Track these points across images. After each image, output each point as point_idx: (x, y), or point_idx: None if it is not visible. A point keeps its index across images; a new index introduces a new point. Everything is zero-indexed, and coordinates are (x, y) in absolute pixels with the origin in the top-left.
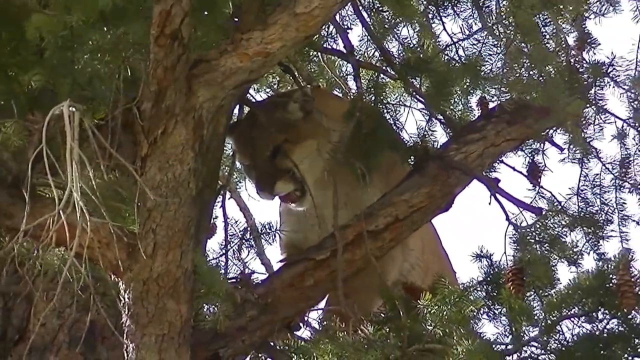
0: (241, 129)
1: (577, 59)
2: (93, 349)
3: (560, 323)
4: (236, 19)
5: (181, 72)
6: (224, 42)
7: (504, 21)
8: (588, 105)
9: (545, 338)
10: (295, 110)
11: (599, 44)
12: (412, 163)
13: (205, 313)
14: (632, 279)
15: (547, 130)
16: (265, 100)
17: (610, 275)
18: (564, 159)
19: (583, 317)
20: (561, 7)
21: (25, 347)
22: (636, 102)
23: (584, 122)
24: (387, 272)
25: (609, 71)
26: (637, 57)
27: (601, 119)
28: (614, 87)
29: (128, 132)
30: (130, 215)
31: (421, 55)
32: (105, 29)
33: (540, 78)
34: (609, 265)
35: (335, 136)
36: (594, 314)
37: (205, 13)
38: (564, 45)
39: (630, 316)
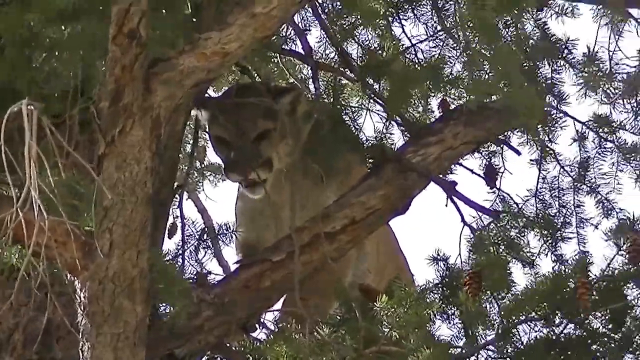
0: (225, 104)
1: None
2: (49, 349)
3: (517, 327)
4: (194, 19)
5: (139, 71)
6: (182, 42)
7: (464, 24)
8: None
9: (501, 342)
10: (284, 104)
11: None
12: (370, 165)
13: (162, 313)
14: (588, 282)
15: (505, 133)
16: (254, 84)
17: (569, 280)
18: (532, 159)
19: (540, 321)
20: (525, 8)
21: None
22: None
23: (544, 124)
24: (343, 274)
25: (564, 53)
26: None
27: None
28: (569, 68)
29: (85, 131)
30: (87, 214)
31: (381, 58)
32: (63, 27)
33: (501, 80)
34: (566, 269)
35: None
36: (551, 318)
37: (164, 12)
38: (525, 46)
39: (587, 320)
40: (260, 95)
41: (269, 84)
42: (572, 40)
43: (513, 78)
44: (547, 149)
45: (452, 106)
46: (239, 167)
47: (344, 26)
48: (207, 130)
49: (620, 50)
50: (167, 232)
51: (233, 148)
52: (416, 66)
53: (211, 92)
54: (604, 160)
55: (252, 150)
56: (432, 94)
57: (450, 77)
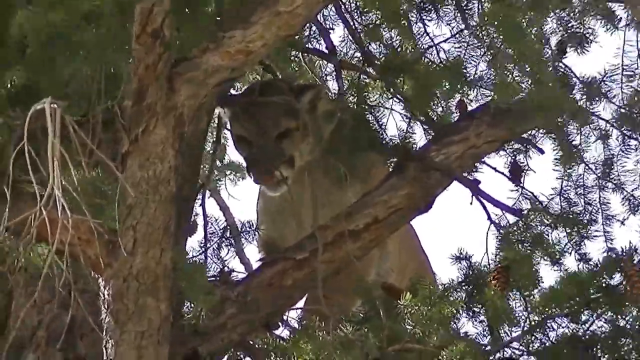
0: (247, 103)
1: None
2: (72, 346)
3: (544, 324)
4: (218, 18)
5: (162, 70)
6: (206, 41)
7: (487, 23)
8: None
9: (527, 338)
10: (305, 102)
11: (588, 44)
12: (393, 164)
13: (185, 311)
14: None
15: (529, 133)
16: (275, 82)
17: (599, 277)
18: (558, 160)
19: (568, 318)
20: (549, 6)
21: (4, 343)
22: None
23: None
24: (366, 272)
25: (601, 87)
26: (622, 61)
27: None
28: (606, 102)
29: (108, 130)
30: (111, 212)
31: (403, 57)
32: (87, 26)
33: (527, 79)
34: (595, 266)
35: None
36: (579, 314)
37: (188, 11)
38: (547, 49)
39: (616, 317)
40: (282, 94)
41: (291, 83)
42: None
43: (541, 76)
44: (574, 149)
45: (470, 107)
46: (261, 165)
47: (367, 25)
48: (229, 128)
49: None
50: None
51: (255, 147)
52: (437, 66)
53: (233, 91)
54: (628, 158)
55: (274, 149)
56: (454, 94)
57: (471, 77)
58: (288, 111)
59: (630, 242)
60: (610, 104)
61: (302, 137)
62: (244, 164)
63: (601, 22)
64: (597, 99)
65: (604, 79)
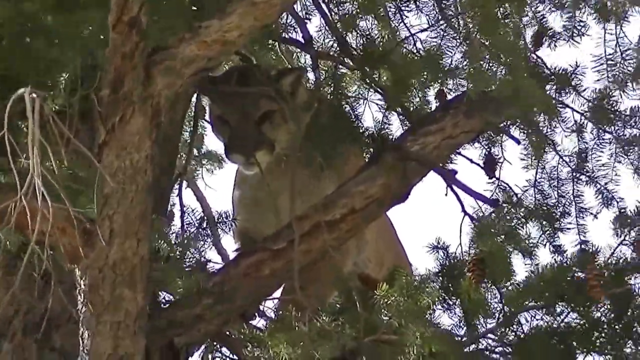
0: (227, 84)
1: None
2: (47, 337)
3: (518, 315)
4: (194, 7)
5: (139, 59)
6: (183, 30)
7: (465, 14)
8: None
9: (502, 330)
10: (285, 85)
11: (559, 39)
12: (369, 154)
13: (161, 301)
14: (600, 273)
15: (504, 123)
16: (256, 68)
17: (571, 269)
18: (525, 154)
19: (542, 310)
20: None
21: None
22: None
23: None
24: (343, 263)
25: (572, 80)
26: (605, 51)
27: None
28: (575, 95)
29: (85, 120)
30: (89, 201)
31: (380, 48)
32: (62, 15)
33: (502, 69)
34: (569, 259)
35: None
36: (552, 307)
37: (164, 1)
38: (522, 41)
39: (589, 310)
40: (261, 78)
41: (269, 70)
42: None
43: (514, 68)
44: (547, 140)
45: (449, 97)
46: (242, 147)
47: (344, 15)
48: (209, 110)
49: (625, 36)
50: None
51: (235, 129)
52: (415, 56)
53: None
54: (602, 152)
55: (255, 131)
56: (431, 85)
57: (449, 67)
58: (268, 95)
59: (592, 245)
60: (579, 97)
61: (282, 121)
62: (223, 147)
63: (593, 16)
64: (567, 91)
65: (575, 71)
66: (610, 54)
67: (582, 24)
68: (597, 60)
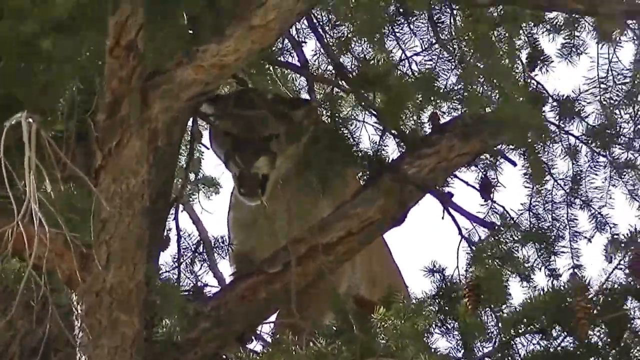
0: (235, 103)
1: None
2: None
3: (515, 340)
4: (191, 31)
5: (136, 83)
6: (180, 54)
7: (460, 37)
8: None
9: (499, 355)
10: (298, 115)
11: (552, 62)
12: (366, 177)
13: (159, 325)
14: (588, 306)
15: (500, 145)
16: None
17: (567, 294)
18: (528, 177)
19: (538, 335)
20: (521, 24)
21: None
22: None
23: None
24: (338, 285)
25: (575, 107)
26: (598, 74)
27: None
28: (579, 122)
29: (81, 144)
30: (85, 226)
31: (375, 70)
32: (59, 38)
33: (496, 93)
34: (564, 283)
35: None
36: (549, 331)
37: (161, 25)
38: (520, 61)
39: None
40: (273, 103)
41: (271, 97)
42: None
43: (509, 91)
44: (541, 164)
45: (443, 120)
46: (243, 154)
47: (340, 38)
48: (212, 130)
49: (619, 60)
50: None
51: (239, 141)
52: (409, 79)
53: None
54: (597, 175)
55: (258, 142)
56: (425, 107)
57: (443, 89)
58: (278, 118)
59: (581, 272)
60: (582, 122)
61: (287, 145)
62: (222, 158)
63: (592, 35)
64: (569, 118)
65: (578, 97)
66: (602, 77)
67: (581, 41)
68: (589, 83)
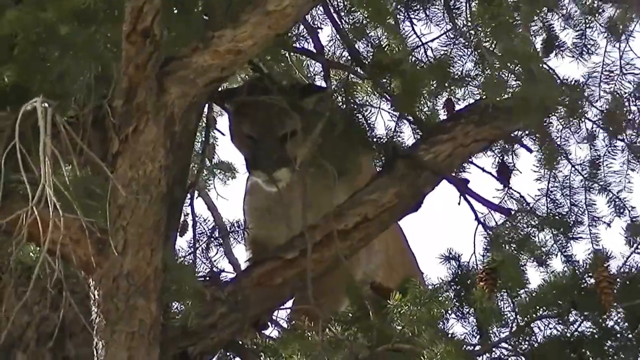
0: (253, 100)
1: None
2: (62, 346)
3: (532, 324)
4: (207, 17)
5: (153, 69)
6: (196, 40)
7: (475, 22)
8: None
9: (515, 339)
10: (310, 103)
11: (567, 48)
12: (382, 163)
13: (175, 311)
14: (611, 276)
15: (517, 131)
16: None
17: (585, 276)
18: (539, 163)
19: (555, 319)
20: (536, 9)
21: None
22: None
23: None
24: (353, 272)
25: (584, 91)
26: (603, 61)
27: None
28: (589, 105)
29: (97, 130)
30: (102, 212)
31: (391, 56)
32: (77, 26)
33: (515, 77)
34: (581, 267)
35: None
36: (566, 315)
37: (177, 10)
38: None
39: (602, 318)
40: (285, 93)
41: (286, 83)
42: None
43: (532, 73)
44: (559, 150)
45: (457, 106)
46: (264, 165)
47: (355, 24)
48: (232, 125)
49: (631, 49)
50: (178, 230)
51: (259, 145)
52: (424, 65)
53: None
54: (614, 159)
55: (278, 148)
56: (440, 93)
57: (458, 75)
58: (293, 112)
59: (602, 248)
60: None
61: (304, 138)
62: (245, 162)
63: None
64: (580, 102)
65: (587, 82)
66: (608, 65)
67: (592, 42)
68: (594, 68)
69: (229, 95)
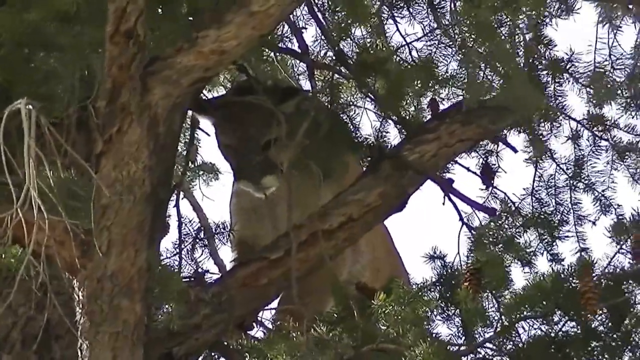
0: (232, 109)
1: (534, 57)
2: (47, 348)
3: (517, 325)
4: (191, 17)
5: (136, 70)
6: (180, 41)
7: (460, 21)
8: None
9: (500, 339)
10: (288, 107)
11: (555, 45)
12: (367, 163)
13: (159, 312)
14: (595, 285)
15: (502, 131)
16: (256, 86)
17: (570, 278)
18: (528, 158)
19: (540, 319)
20: (522, 8)
21: None
22: (594, 100)
23: (541, 120)
24: (338, 272)
25: (567, 67)
26: (594, 58)
27: (558, 118)
28: (573, 83)
29: (81, 131)
30: (86, 214)
31: (375, 56)
32: (62, 26)
33: (498, 78)
34: (566, 268)
35: None
36: (550, 316)
37: (161, 11)
38: (521, 45)
39: (587, 319)
40: (268, 95)
41: (272, 84)
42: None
43: (511, 75)
44: (544, 146)
45: (442, 106)
46: (250, 175)
47: (340, 24)
48: (216, 138)
49: (619, 45)
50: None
51: (242, 156)
52: (409, 65)
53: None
54: (599, 159)
55: (261, 156)
56: (424, 93)
57: (443, 76)
58: (271, 120)
59: (587, 255)
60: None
61: (287, 143)
62: (233, 172)
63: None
64: (563, 78)
65: (570, 58)
66: (599, 62)
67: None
68: (585, 67)
69: (209, 108)
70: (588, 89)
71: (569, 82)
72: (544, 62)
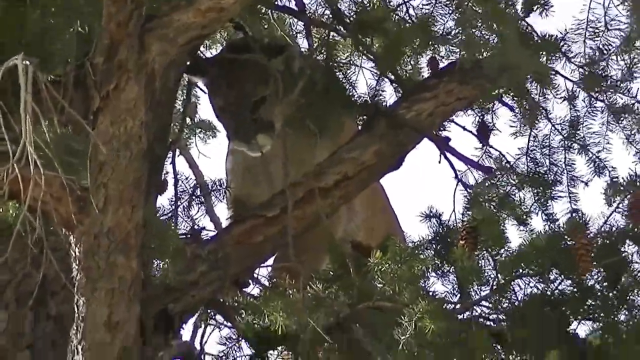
0: (222, 71)
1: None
2: (43, 304)
3: (512, 283)
4: None
5: (134, 27)
6: None
7: None
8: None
9: (496, 297)
10: (277, 64)
11: (552, 6)
12: (363, 121)
13: (155, 268)
14: (589, 243)
15: (498, 90)
16: (247, 43)
17: (564, 237)
18: (518, 123)
19: (535, 277)
20: None
21: None
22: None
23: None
24: (334, 230)
25: (561, 46)
26: (587, 18)
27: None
28: (565, 62)
29: (79, 88)
30: (82, 170)
31: (373, 15)
32: None
33: (495, 38)
34: (562, 226)
35: None
36: (546, 274)
37: None
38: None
39: (583, 278)
40: (254, 55)
41: (262, 42)
42: None
43: (506, 36)
44: (539, 108)
45: (441, 64)
46: (242, 134)
47: None
48: (210, 100)
49: (614, 5)
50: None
51: (234, 117)
52: (407, 24)
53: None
54: (594, 120)
55: (253, 115)
56: (423, 52)
57: (440, 34)
58: (262, 77)
59: (581, 212)
60: (570, 64)
61: (277, 100)
62: (226, 132)
63: None
64: (556, 57)
65: (564, 37)
66: (592, 21)
67: None
68: (578, 25)
69: (200, 69)
70: (580, 70)
71: (560, 60)
72: (536, 38)
